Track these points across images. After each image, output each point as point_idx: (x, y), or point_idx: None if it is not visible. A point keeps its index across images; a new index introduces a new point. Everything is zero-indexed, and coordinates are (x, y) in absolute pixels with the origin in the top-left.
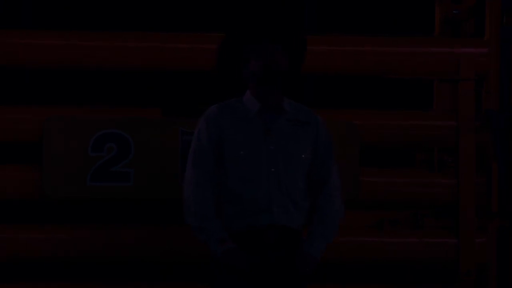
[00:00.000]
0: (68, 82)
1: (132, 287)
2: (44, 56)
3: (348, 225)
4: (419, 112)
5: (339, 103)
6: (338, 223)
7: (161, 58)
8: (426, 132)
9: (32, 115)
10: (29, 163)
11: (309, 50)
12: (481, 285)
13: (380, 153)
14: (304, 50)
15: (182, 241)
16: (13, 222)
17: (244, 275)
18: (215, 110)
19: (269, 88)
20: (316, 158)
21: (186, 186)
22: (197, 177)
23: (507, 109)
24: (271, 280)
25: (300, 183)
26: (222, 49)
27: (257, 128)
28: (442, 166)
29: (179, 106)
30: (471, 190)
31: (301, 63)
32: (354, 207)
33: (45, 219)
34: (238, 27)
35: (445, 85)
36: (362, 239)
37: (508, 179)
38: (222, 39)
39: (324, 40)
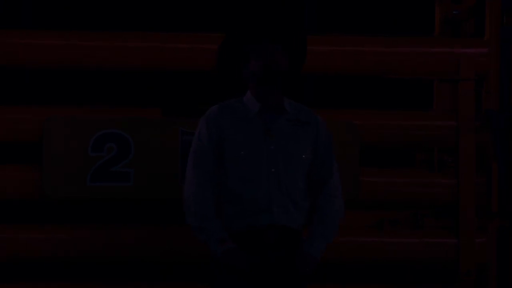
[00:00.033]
0: (68, 82)
1: (132, 287)
2: (44, 56)
3: (348, 225)
4: (419, 112)
5: (339, 103)
6: (338, 223)
7: (161, 58)
8: (426, 132)
9: (32, 115)
10: (29, 163)
11: (309, 50)
12: (481, 285)
13: (380, 153)
14: (304, 50)
15: (182, 241)
16: (13, 222)
17: (244, 275)
18: (216, 110)
19: (269, 88)
20: (316, 158)
21: (187, 186)
22: (197, 177)
23: (507, 109)
24: (271, 280)
25: (300, 183)
26: (222, 49)
27: (258, 128)
28: (442, 166)
29: (179, 106)
30: (471, 190)
31: (301, 63)
32: (354, 207)
33: (45, 219)
34: (238, 27)
35: (445, 85)
36: (362, 239)
37: (508, 179)
38: (222, 39)
39: (324, 40)
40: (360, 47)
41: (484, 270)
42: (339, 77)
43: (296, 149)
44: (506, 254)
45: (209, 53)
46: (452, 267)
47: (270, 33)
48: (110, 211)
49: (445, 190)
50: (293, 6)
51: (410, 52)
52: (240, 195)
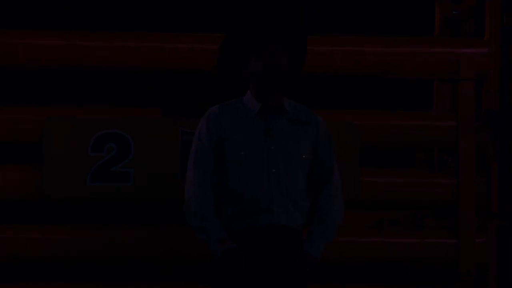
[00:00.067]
0: (68, 82)
1: (132, 287)
2: (44, 56)
3: (348, 225)
4: (419, 112)
5: (339, 103)
6: (338, 223)
7: (161, 58)
8: (426, 132)
9: (32, 115)
10: (29, 163)
11: (309, 50)
12: (481, 285)
13: (380, 153)
14: (304, 50)
15: (182, 241)
16: (13, 222)
17: (244, 275)
18: (216, 110)
19: (269, 88)
20: (316, 158)
21: (187, 186)
22: (197, 178)
23: (507, 109)
24: (271, 280)
25: (300, 183)
26: (223, 49)
27: (258, 128)
28: (442, 166)
29: (179, 106)
30: (471, 190)
31: (302, 63)
32: (354, 207)
33: (45, 219)
34: (238, 27)
35: (445, 85)
36: (362, 239)
37: (508, 179)
38: (222, 39)
39: (324, 40)
40: (360, 47)
41: (484, 270)
42: (339, 77)
43: (296, 149)
44: (506, 254)
45: (209, 53)
46: (452, 267)
47: (270, 33)
48: (110, 211)
49: (445, 190)
50: (293, 6)
51: (410, 52)
52: (241, 195)
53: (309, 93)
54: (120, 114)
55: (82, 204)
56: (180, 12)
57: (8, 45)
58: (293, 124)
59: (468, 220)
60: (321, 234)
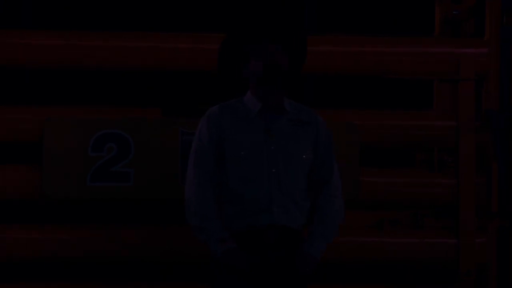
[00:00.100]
0: (68, 82)
1: (132, 287)
2: (44, 56)
3: (348, 225)
4: (419, 112)
5: (339, 103)
6: (338, 223)
7: (161, 58)
8: (426, 132)
9: (32, 115)
10: (29, 163)
11: (309, 50)
12: (481, 285)
13: (380, 153)
14: (305, 50)
15: (182, 241)
16: (13, 222)
17: (244, 275)
18: (216, 110)
19: (269, 88)
20: (316, 158)
21: (188, 186)
22: (198, 177)
23: (507, 109)
24: (271, 280)
25: (300, 183)
26: (223, 49)
27: (258, 128)
28: (442, 166)
29: (179, 106)
30: (471, 190)
31: (302, 63)
32: (354, 207)
33: (45, 219)
34: (238, 27)
35: (445, 85)
36: (362, 239)
37: (508, 179)
38: (223, 39)
39: (324, 40)
40: (360, 47)
41: (484, 270)
42: (339, 77)
43: (296, 149)
44: (506, 254)
45: (209, 53)
46: (452, 267)
47: (270, 33)
48: (110, 211)
49: (445, 190)
50: (293, 6)
51: (410, 52)
52: (241, 195)
53: (309, 93)
54: (120, 114)
55: (82, 204)
56: (180, 12)
57: (8, 45)
58: (293, 124)
59: (468, 220)
60: (321, 234)
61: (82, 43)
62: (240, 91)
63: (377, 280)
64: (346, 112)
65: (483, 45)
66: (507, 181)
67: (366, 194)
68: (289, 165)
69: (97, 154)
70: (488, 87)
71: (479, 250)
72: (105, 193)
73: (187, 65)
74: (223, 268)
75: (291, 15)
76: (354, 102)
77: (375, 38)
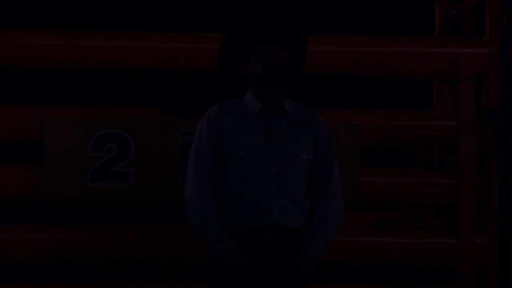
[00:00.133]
0: (68, 82)
1: (132, 287)
2: (44, 56)
3: (348, 225)
4: (419, 112)
5: (339, 103)
6: (338, 223)
7: (161, 58)
8: (426, 132)
9: (32, 115)
10: (29, 163)
11: (309, 50)
12: (481, 285)
13: (380, 153)
14: (305, 50)
15: (182, 241)
16: (13, 222)
17: (244, 275)
18: (216, 110)
19: (269, 88)
20: (316, 158)
21: (188, 186)
22: (198, 177)
23: (507, 109)
24: (271, 280)
25: (300, 183)
26: (223, 49)
27: (258, 128)
28: (442, 166)
29: (179, 106)
30: (471, 190)
31: (302, 63)
32: (354, 207)
33: (45, 219)
34: (238, 27)
35: (445, 85)
36: (362, 239)
37: (508, 179)
38: (223, 39)
39: (324, 40)
40: (360, 47)
41: (484, 270)
42: (339, 77)
43: (296, 149)
44: (506, 254)
45: (209, 53)
46: (452, 267)
47: (270, 33)
48: (110, 211)
49: (445, 190)
50: (293, 6)
51: (410, 52)
52: (241, 195)
53: (309, 93)
54: (120, 114)
55: (82, 204)
56: (180, 12)
57: (8, 45)
58: (293, 124)
59: (468, 220)
60: (321, 234)
61: (82, 43)
62: (240, 91)
63: (377, 280)
64: (346, 112)
65: (483, 45)
66: (507, 181)
67: (366, 194)
68: (289, 165)
69: (97, 154)
70: (488, 87)
71: (479, 250)
72: (105, 193)
73: (187, 65)
74: (223, 268)
75: (291, 15)
76: (354, 102)
77: (375, 38)
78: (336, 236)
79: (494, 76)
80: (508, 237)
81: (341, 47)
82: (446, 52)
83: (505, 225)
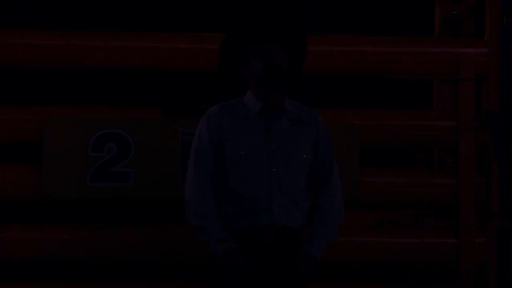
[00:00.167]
0: (68, 82)
1: (132, 287)
2: (44, 56)
3: (348, 225)
4: (419, 112)
5: (339, 103)
6: (338, 223)
7: (161, 58)
8: (426, 132)
9: (32, 115)
10: (29, 163)
11: (309, 50)
12: (481, 285)
13: (380, 153)
14: (305, 50)
15: (182, 241)
16: (13, 222)
17: (244, 275)
18: (216, 110)
19: (269, 88)
20: (316, 158)
21: (188, 186)
22: (198, 177)
23: (507, 109)
24: (271, 280)
25: (300, 183)
26: (223, 49)
27: (258, 128)
28: (442, 166)
29: (179, 106)
30: (471, 190)
31: (302, 63)
32: (354, 207)
33: (45, 219)
34: (238, 27)
35: (445, 85)
36: (362, 239)
37: (508, 179)
38: (223, 39)
39: (324, 40)
40: (360, 47)
41: (484, 270)
42: (339, 77)
43: (296, 149)
44: (506, 254)
45: (209, 53)
46: (452, 267)
47: (270, 33)
48: (110, 211)
49: (445, 190)
50: (293, 6)
51: (410, 52)
52: (241, 195)
53: (309, 93)
54: (120, 114)
55: (82, 204)
56: (180, 12)
57: (8, 45)
58: (293, 124)
59: (468, 220)
60: (321, 234)
61: (82, 43)
62: (240, 91)
63: (377, 280)
64: (346, 112)
65: (483, 45)
66: (507, 181)
67: (366, 194)
68: (289, 165)
69: (97, 154)
70: (488, 87)
71: (479, 250)
72: (105, 193)
73: (187, 65)
74: (223, 268)
75: (291, 15)
76: (354, 102)
77: (375, 38)
78: (336, 236)
79: (494, 76)
80: (508, 237)
81: (341, 47)
82: (446, 52)
83: (505, 225)
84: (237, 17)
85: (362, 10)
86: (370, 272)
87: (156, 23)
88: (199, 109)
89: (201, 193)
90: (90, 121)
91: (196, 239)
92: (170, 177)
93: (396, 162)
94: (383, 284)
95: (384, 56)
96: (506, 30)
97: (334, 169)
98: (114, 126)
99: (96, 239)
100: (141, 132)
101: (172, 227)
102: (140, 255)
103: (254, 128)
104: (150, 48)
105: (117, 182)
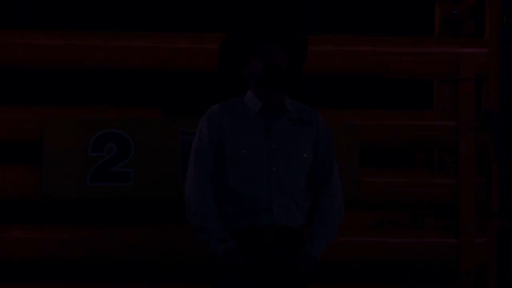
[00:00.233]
0: (68, 82)
1: (132, 287)
2: (44, 56)
3: (348, 225)
4: (419, 112)
5: (339, 103)
6: (338, 223)
7: (161, 58)
8: (426, 132)
9: (32, 115)
10: (29, 163)
11: (309, 50)
12: (481, 285)
13: (380, 153)
14: (305, 50)
15: (182, 241)
16: (13, 222)
17: (244, 275)
18: (216, 110)
19: (269, 88)
20: (316, 158)
21: (188, 186)
22: (198, 177)
23: (507, 109)
24: (271, 280)
25: (300, 183)
26: (223, 49)
27: (258, 128)
28: (442, 166)
29: (179, 106)
30: (471, 190)
31: (302, 63)
32: (354, 207)
33: (45, 219)
34: (239, 27)
35: (445, 85)
36: (362, 239)
37: (508, 179)
38: (223, 39)
39: (324, 40)
40: (360, 47)
41: (484, 270)
42: (339, 77)
43: (296, 149)
44: (506, 254)
45: (209, 53)
46: (452, 267)
47: (270, 33)
48: (110, 211)
49: (445, 190)
50: (293, 6)
51: (410, 52)
52: (241, 195)
53: (309, 93)
54: (120, 114)
55: (82, 204)
56: (180, 12)
57: (8, 45)
58: (293, 124)
59: (468, 220)
60: (321, 234)
61: (82, 43)
62: (240, 91)
63: (377, 280)
64: (346, 112)
65: (483, 45)
66: (507, 181)
67: (366, 194)
68: (289, 165)
69: (97, 154)
70: (488, 87)
71: (479, 250)
72: (105, 193)
73: (187, 65)
74: (223, 268)
75: (291, 15)
76: (354, 102)
77: (375, 38)
78: (336, 236)
79: (494, 76)
80: (508, 237)
81: (341, 47)
82: (446, 52)
83: (505, 225)
84: (237, 17)
85: (362, 10)
86: (370, 272)
87: (156, 23)
88: (199, 109)
89: (201, 193)
90: (90, 121)
91: (196, 239)
92: (170, 177)
93: (396, 162)
94: (383, 284)
95: (384, 56)
96: (506, 30)
97: (334, 169)
98: (114, 126)
99: (96, 239)
100: (141, 132)
101: (172, 227)
102: (140, 255)
103: (254, 128)
104: (150, 48)
105: (117, 182)
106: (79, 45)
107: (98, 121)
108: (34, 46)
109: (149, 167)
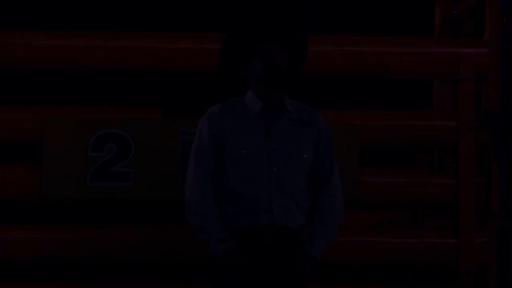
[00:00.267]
0: (68, 82)
1: (132, 287)
2: (44, 56)
3: (348, 225)
4: (419, 112)
5: (339, 103)
6: (338, 223)
7: (161, 58)
8: (426, 132)
9: (32, 115)
10: (29, 163)
11: (309, 50)
12: (481, 285)
13: (380, 153)
14: (305, 50)
15: (182, 241)
16: (13, 222)
17: (244, 275)
18: (216, 110)
19: (270, 88)
20: (317, 158)
21: (188, 186)
22: (198, 177)
23: (507, 109)
24: (271, 280)
25: (300, 183)
26: (223, 49)
27: (258, 128)
28: (442, 166)
29: (179, 106)
30: (471, 190)
31: (302, 63)
32: (354, 207)
33: (45, 219)
34: (239, 27)
35: (445, 85)
36: (362, 239)
37: (508, 179)
38: (223, 39)
39: (324, 40)
40: (360, 47)
41: (484, 270)
42: (339, 77)
43: (296, 149)
44: (506, 254)
45: (209, 53)
46: (452, 267)
47: (270, 33)
48: (110, 211)
49: (445, 190)
50: (293, 6)
51: (410, 52)
52: (241, 195)
53: (309, 93)
54: (120, 114)
55: (82, 204)
56: (180, 12)
57: (8, 45)
58: (293, 124)
59: (468, 220)
60: (321, 234)
61: (82, 43)
62: (240, 91)
63: (377, 280)
64: (346, 112)
65: (483, 45)
66: (507, 181)
67: (366, 194)
68: (289, 165)
69: (97, 154)
70: (488, 87)
71: (479, 250)
72: (105, 193)
73: (187, 65)
74: (223, 268)
75: (291, 15)
76: (354, 102)
77: (375, 38)
78: (336, 236)
79: (494, 76)
80: (508, 237)
81: (341, 47)
82: (446, 52)
83: (505, 225)
84: (237, 17)
85: (362, 10)
86: (370, 272)
87: (156, 23)
88: (199, 109)
89: (201, 193)
90: (90, 121)
91: (196, 239)
92: (170, 177)
93: (396, 162)
94: (383, 284)
95: (384, 56)
96: (506, 30)
97: (334, 169)
98: (114, 126)
99: (96, 239)
100: (141, 132)
101: (172, 227)
102: (140, 255)
103: (254, 128)
104: (150, 48)
105: (117, 182)
106: (79, 45)
107: (98, 121)
108: (34, 46)
109: (149, 167)
